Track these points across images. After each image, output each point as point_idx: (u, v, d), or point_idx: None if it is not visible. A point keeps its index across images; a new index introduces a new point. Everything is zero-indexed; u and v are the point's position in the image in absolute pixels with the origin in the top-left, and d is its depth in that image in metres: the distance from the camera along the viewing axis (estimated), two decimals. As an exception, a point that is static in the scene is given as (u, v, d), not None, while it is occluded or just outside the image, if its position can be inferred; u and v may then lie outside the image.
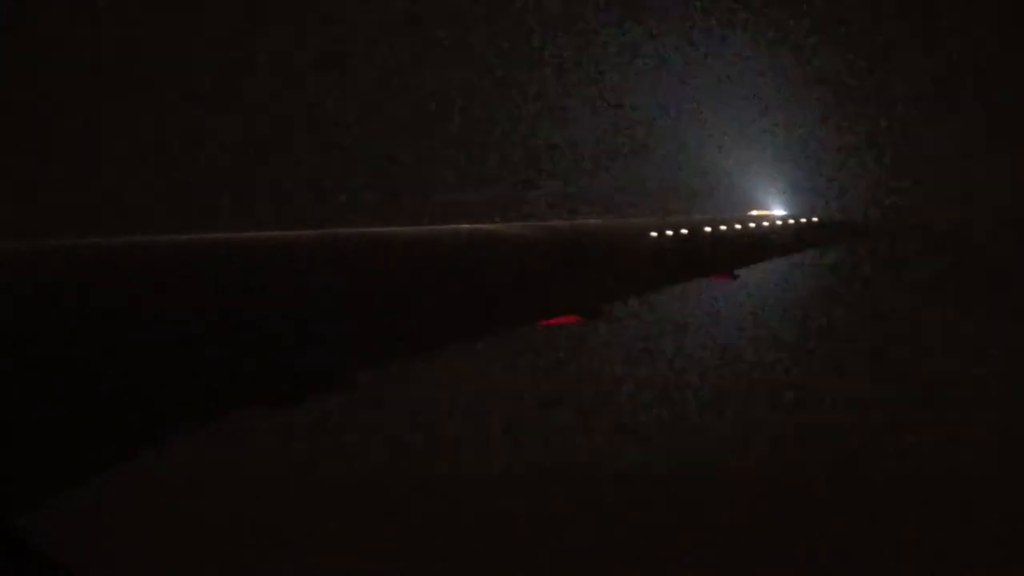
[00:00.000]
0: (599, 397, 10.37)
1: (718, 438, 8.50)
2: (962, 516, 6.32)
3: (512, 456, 8.00)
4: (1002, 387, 10.21)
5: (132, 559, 5.89)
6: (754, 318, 16.57)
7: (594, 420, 9.35)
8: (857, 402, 9.72)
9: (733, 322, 15.91)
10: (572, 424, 9.14)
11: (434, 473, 7.49)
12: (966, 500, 6.62)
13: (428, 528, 6.24)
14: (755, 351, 13.25)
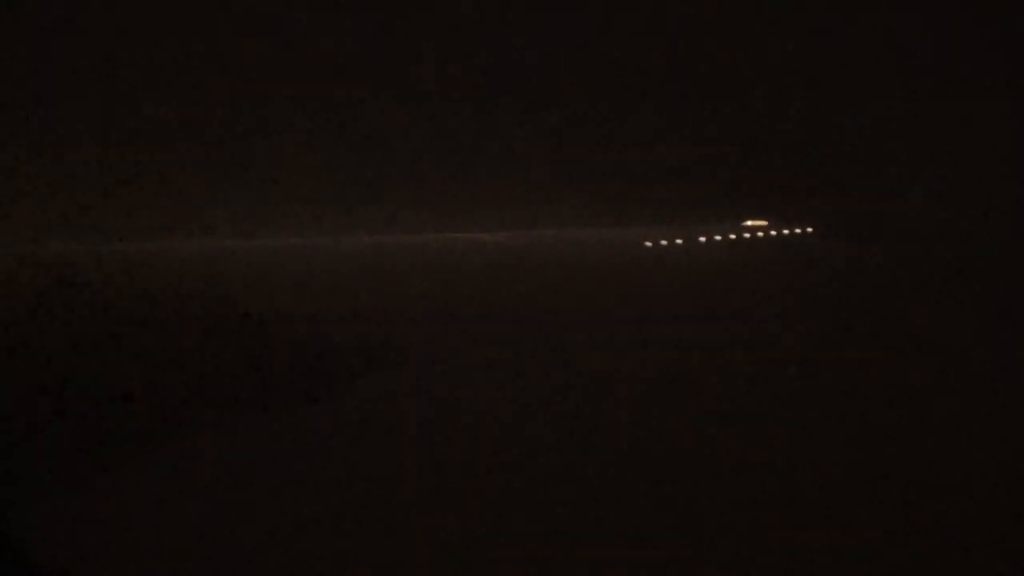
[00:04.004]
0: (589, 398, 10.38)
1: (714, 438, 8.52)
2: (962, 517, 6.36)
3: (511, 457, 8.01)
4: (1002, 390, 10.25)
5: (130, 561, 5.89)
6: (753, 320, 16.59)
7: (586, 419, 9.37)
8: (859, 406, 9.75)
9: (729, 325, 15.91)
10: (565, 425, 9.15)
11: (432, 474, 7.49)
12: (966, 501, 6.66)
13: (427, 530, 6.25)
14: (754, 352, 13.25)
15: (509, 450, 8.65)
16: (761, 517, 6.64)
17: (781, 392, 10.96)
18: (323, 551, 6.01)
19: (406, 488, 7.37)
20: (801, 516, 6.68)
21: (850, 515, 6.69)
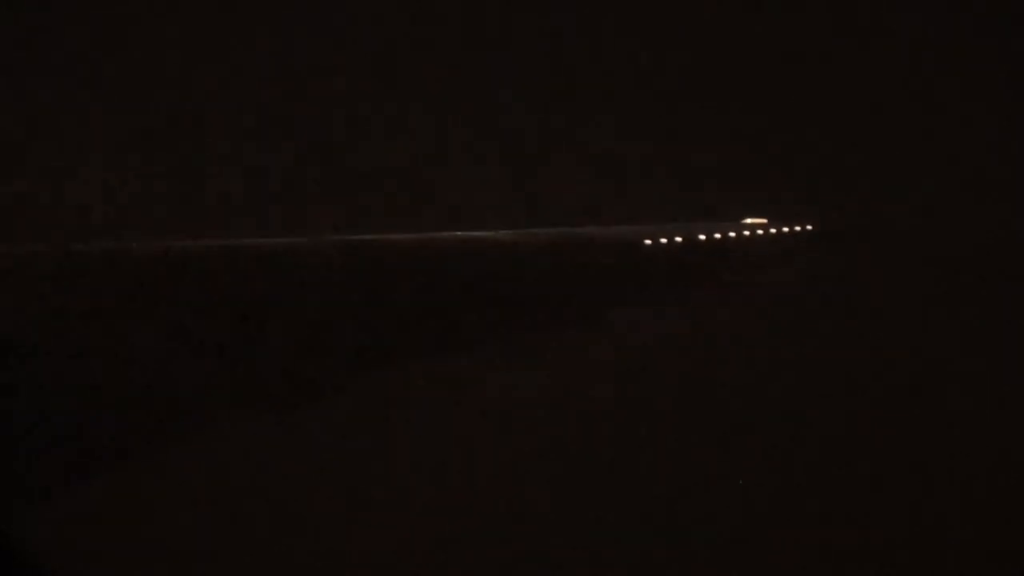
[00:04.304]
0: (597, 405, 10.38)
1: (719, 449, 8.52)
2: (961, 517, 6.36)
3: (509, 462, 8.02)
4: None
5: (127, 563, 5.90)
6: (752, 328, 16.55)
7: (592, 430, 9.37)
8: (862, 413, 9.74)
9: (730, 331, 15.88)
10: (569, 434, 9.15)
11: (429, 478, 7.50)
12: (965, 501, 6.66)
13: (423, 532, 6.27)
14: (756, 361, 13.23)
15: (510, 449, 8.65)
16: (760, 517, 6.64)
17: (781, 390, 10.96)
18: (323, 551, 6.02)
19: (407, 489, 7.37)
20: (801, 516, 6.68)
21: (851, 516, 6.69)
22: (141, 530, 6.30)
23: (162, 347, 4.27)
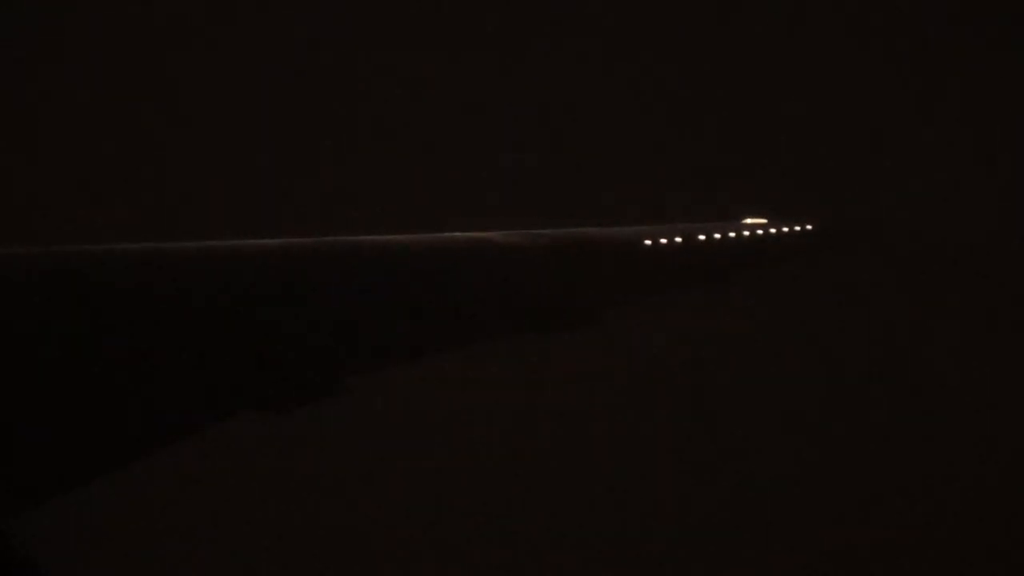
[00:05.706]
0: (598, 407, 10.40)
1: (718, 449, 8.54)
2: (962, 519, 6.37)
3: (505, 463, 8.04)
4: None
5: (127, 563, 5.91)
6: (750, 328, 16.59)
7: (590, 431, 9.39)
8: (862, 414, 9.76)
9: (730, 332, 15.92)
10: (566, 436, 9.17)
11: (427, 478, 7.52)
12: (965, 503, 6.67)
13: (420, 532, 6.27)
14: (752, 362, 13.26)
15: (510, 450, 8.67)
16: (757, 517, 6.66)
17: (781, 389, 10.99)
18: (323, 551, 6.04)
19: (407, 488, 7.39)
20: (801, 516, 6.69)
21: (849, 516, 6.71)
22: (141, 530, 6.31)
23: (161, 347, 4.27)
